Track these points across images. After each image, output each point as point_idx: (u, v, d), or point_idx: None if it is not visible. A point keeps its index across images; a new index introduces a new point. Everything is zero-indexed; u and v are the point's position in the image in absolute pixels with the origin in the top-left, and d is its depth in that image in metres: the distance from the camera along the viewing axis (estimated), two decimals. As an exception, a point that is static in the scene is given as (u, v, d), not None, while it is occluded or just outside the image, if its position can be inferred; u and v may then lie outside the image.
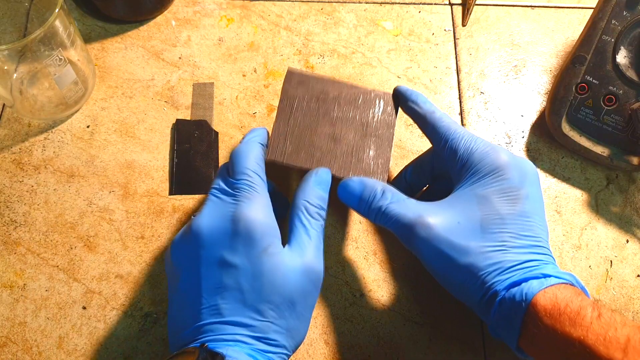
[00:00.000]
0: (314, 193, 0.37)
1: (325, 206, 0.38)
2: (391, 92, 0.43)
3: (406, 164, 0.46)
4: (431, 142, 0.41)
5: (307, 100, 0.42)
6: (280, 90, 0.42)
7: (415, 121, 0.42)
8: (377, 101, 0.43)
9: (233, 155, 0.38)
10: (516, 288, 0.33)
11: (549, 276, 0.34)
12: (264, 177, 0.37)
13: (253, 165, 0.37)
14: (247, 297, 0.33)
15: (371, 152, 0.41)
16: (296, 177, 0.47)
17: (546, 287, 0.33)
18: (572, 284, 0.34)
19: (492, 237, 0.35)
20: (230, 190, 0.36)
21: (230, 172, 0.37)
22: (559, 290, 0.33)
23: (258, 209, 0.34)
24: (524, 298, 0.33)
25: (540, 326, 0.32)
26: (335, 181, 0.40)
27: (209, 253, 0.34)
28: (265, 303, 0.33)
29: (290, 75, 0.43)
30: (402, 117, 0.49)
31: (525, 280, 0.34)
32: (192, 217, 0.36)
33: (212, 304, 0.33)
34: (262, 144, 0.39)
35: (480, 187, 0.36)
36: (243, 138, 0.40)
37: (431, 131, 0.40)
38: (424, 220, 0.36)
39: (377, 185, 0.38)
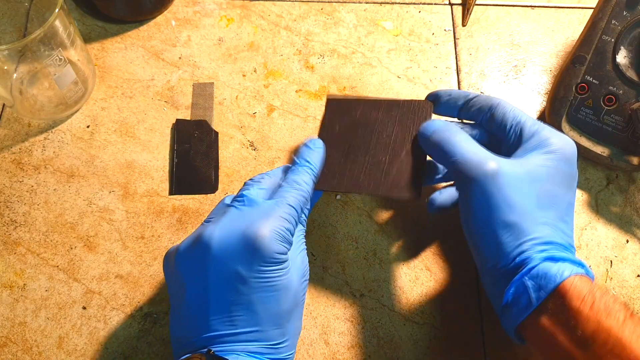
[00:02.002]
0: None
1: (307, 211, 0.38)
2: (426, 99, 0.43)
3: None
4: (488, 125, 0.41)
5: (346, 128, 0.42)
6: (321, 119, 0.42)
7: (467, 114, 0.42)
8: (415, 112, 0.42)
9: (288, 178, 0.37)
10: (551, 263, 0.34)
11: (583, 266, 0.34)
12: (307, 197, 0.37)
13: (291, 199, 0.36)
14: (262, 310, 0.33)
15: (407, 168, 0.40)
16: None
17: (579, 274, 0.33)
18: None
19: (543, 211, 0.35)
20: (243, 201, 0.35)
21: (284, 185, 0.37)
22: (590, 282, 0.33)
23: (272, 224, 0.33)
24: (559, 273, 0.33)
25: (568, 307, 0.32)
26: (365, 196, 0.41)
27: (220, 266, 0.33)
28: (280, 315, 0.33)
29: (330, 103, 0.43)
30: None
31: (564, 260, 0.34)
32: (204, 223, 0.36)
33: (224, 316, 0.33)
34: (313, 173, 0.38)
35: (550, 161, 0.37)
36: (301, 153, 0.39)
37: (491, 115, 0.40)
38: (492, 166, 0.35)
39: (455, 125, 0.39)
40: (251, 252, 0.32)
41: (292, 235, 0.35)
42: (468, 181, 0.36)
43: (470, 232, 0.37)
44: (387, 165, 0.40)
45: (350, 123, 0.43)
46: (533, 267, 0.34)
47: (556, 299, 0.33)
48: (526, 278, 0.34)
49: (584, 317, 0.31)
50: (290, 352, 0.34)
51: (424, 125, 0.40)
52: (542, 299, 0.33)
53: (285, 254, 0.34)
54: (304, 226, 0.38)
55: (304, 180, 0.37)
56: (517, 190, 0.35)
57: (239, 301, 0.32)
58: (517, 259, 0.34)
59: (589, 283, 0.33)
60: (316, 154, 0.39)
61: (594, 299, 0.32)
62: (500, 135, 0.40)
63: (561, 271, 0.33)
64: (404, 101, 0.43)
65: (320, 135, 0.42)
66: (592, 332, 0.31)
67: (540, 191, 0.36)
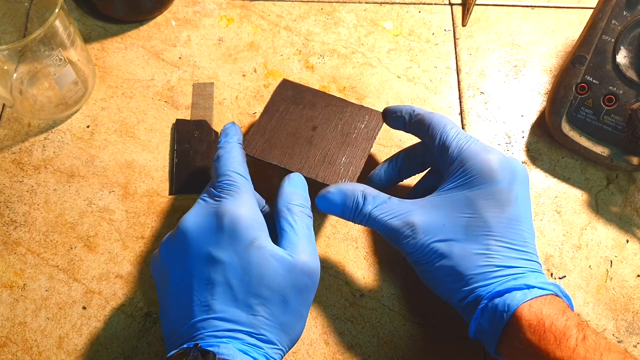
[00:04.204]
0: (293, 196, 0.37)
1: (307, 204, 0.38)
2: (381, 110, 0.44)
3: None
4: (427, 140, 0.41)
5: (294, 106, 0.43)
6: (271, 95, 0.43)
7: (411, 128, 0.42)
8: (365, 116, 0.43)
9: (215, 162, 0.38)
10: (499, 298, 0.33)
11: (533, 287, 0.34)
12: (247, 175, 0.38)
13: (234, 166, 0.37)
14: (237, 292, 0.33)
15: (344, 159, 0.42)
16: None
17: (531, 300, 0.33)
18: (556, 295, 0.34)
19: (477, 241, 0.35)
20: (213, 191, 0.36)
21: (214, 177, 0.38)
22: (544, 305, 0.33)
23: (241, 204, 0.35)
24: (506, 309, 0.33)
25: (523, 340, 0.32)
26: (308, 183, 0.40)
27: (196, 250, 0.34)
28: (254, 297, 0.33)
29: (284, 84, 0.44)
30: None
31: (509, 290, 0.34)
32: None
33: (202, 300, 0.33)
34: (240, 144, 0.40)
35: (467, 189, 0.37)
36: (219, 136, 0.40)
37: (427, 129, 0.40)
38: (408, 222, 0.36)
39: (357, 191, 0.38)
40: (220, 230, 0.34)
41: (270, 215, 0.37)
42: (396, 241, 0.37)
43: (422, 279, 0.38)
44: (325, 152, 0.42)
45: (301, 105, 0.43)
46: (483, 307, 0.34)
47: (511, 332, 0.33)
48: (479, 319, 0.34)
49: (536, 350, 0.31)
50: (276, 347, 0.33)
51: (327, 195, 0.38)
52: (499, 336, 0.33)
53: (256, 234, 0.34)
54: (302, 217, 0.37)
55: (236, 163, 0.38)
56: (442, 236, 0.35)
57: (214, 282, 0.33)
58: (467, 299, 0.35)
59: (539, 308, 0.32)
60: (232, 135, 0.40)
61: (544, 328, 0.32)
62: (434, 153, 0.40)
63: (508, 305, 0.33)
64: (356, 105, 0.44)
65: (266, 107, 0.43)
66: None
67: (467, 223, 0.36)
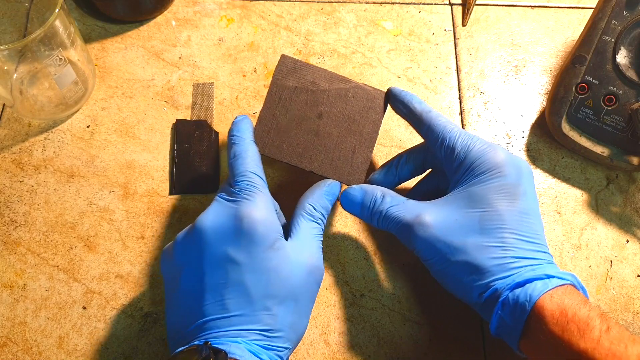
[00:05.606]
0: (321, 201, 0.39)
1: (326, 215, 0.39)
2: (384, 90, 0.43)
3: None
4: (427, 141, 0.41)
5: (296, 92, 0.42)
6: (271, 77, 0.42)
7: (410, 121, 0.42)
8: (368, 98, 0.42)
9: (231, 159, 0.38)
10: (520, 289, 0.33)
11: (552, 277, 0.34)
12: (264, 176, 0.38)
13: (252, 166, 0.37)
14: (253, 292, 0.33)
15: (352, 151, 0.42)
16: (285, 172, 0.47)
17: (551, 290, 0.33)
18: (574, 285, 0.34)
19: (492, 234, 0.35)
20: (232, 191, 0.36)
21: (231, 176, 0.38)
22: (565, 296, 0.33)
23: (260, 207, 0.35)
24: (528, 299, 0.32)
25: (546, 331, 0.32)
26: (316, 178, 0.41)
27: (213, 250, 0.34)
28: (271, 298, 0.33)
29: (283, 62, 0.43)
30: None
31: (529, 281, 0.33)
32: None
33: (217, 299, 0.33)
34: (254, 141, 0.40)
35: (477, 185, 0.37)
36: (230, 130, 0.40)
37: (427, 130, 0.40)
38: (421, 220, 0.36)
39: (377, 190, 0.39)
40: (238, 232, 0.34)
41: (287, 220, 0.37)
42: (410, 240, 0.37)
43: (436, 278, 0.38)
44: (333, 144, 0.41)
45: (301, 88, 0.42)
46: (504, 299, 0.34)
47: (534, 326, 0.33)
48: (500, 312, 0.34)
49: (559, 341, 0.31)
50: (285, 346, 0.34)
51: (349, 191, 0.40)
52: (521, 329, 0.33)
53: (275, 236, 0.35)
54: (319, 224, 0.38)
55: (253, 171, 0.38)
56: (455, 231, 0.36)
57: (230, 283, 0.33)
58: (486, 293, 0.34)
59: (560, 299, 0.32)
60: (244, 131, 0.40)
61: (567, 318, 0.31)
62: (436, 155, 0.40)
63: (530, 295, 0.33)
64: (359, 85, 0.43)
65: (267, 95, 0.42)
66: (570, 356, 0.31)
67: (480, 217, 0.36)
